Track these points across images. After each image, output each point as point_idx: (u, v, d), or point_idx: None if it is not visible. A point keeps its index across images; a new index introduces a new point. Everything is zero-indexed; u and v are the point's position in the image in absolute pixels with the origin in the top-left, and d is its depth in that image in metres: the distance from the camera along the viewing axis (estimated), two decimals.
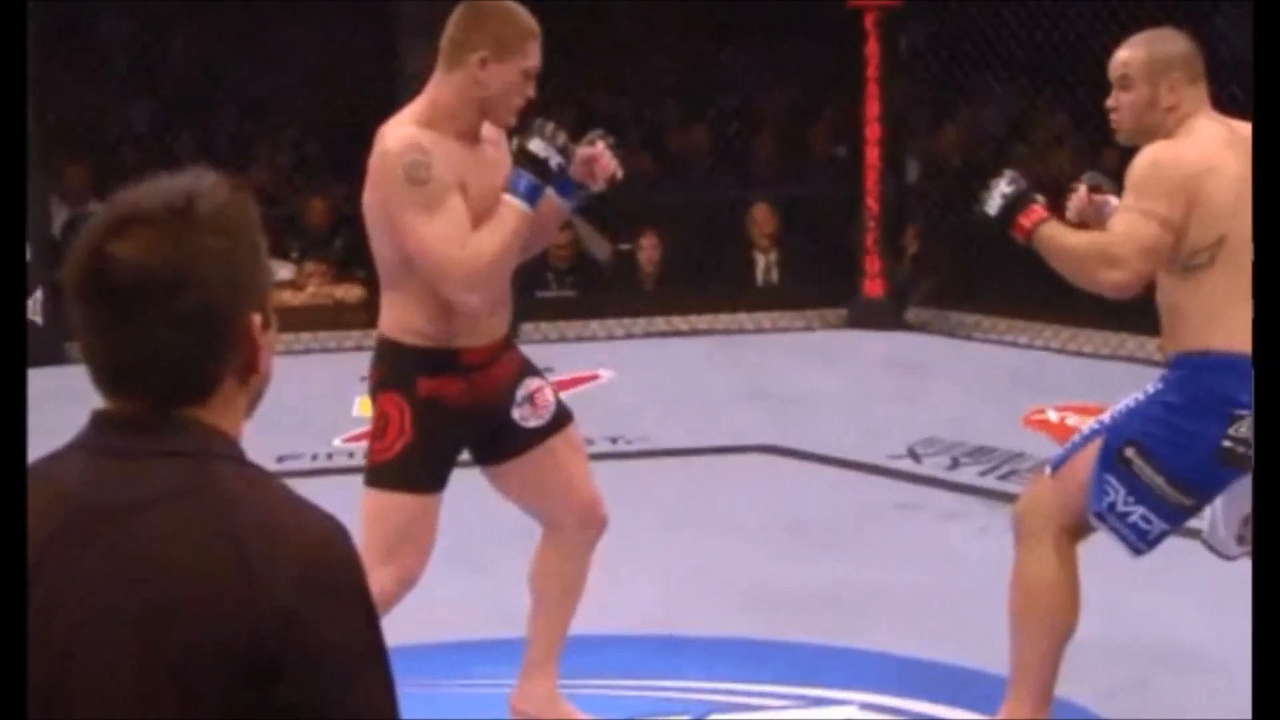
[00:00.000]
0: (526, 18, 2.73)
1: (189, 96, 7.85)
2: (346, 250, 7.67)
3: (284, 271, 7.42)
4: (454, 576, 3.93)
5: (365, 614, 1.16)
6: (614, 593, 3.73)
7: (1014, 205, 2.77)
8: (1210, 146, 2.70)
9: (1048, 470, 2.84)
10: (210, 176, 1.21)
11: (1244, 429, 2.65)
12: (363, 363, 7.04)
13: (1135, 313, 6.57)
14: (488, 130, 2.76)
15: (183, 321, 1.16)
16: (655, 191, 7.71)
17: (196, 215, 1.18)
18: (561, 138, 2.72)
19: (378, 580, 2.72)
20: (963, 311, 6.79)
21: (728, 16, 8.03)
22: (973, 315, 6.71)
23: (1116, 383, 5.60)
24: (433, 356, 2.73)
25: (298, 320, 6.95)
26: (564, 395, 5.68)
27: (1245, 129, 2.76)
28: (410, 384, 2.73)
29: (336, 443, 5.19)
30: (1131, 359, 6.10)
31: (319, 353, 6.70)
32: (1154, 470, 2.69)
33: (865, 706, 3.12)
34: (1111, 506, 2.71)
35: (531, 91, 2.73)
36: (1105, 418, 2.80)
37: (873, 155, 6.61)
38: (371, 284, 7.55)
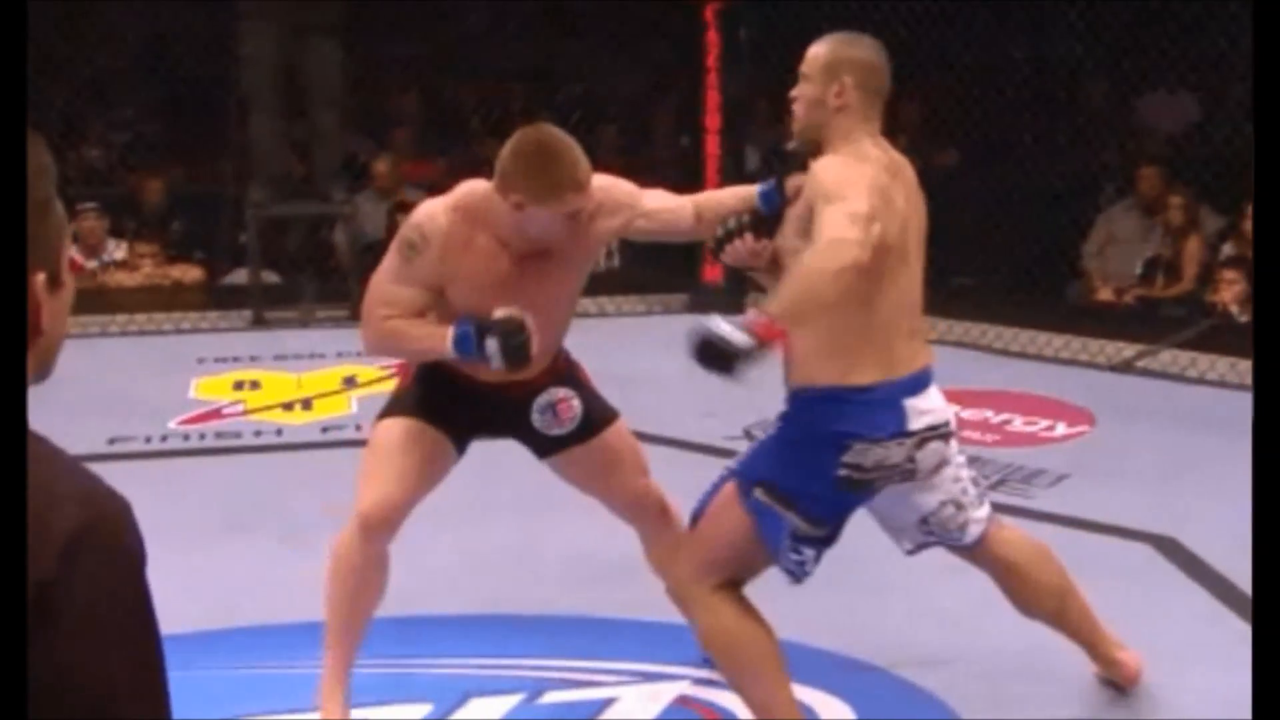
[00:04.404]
0: (567, 168, 2.69)
1: None
2: (184, 231, 7.56)
3: (118, 252, 7.28)
4: (285, 559, 3.94)
5: (131, 587, 1.11)
6: (444, 572, 3.77)
7: (743, 331, 2.46)
8: (884, 173, 2.67)
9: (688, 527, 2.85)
10: None
11: (854, 456, 2.68)
12: (200, 344, 6.98)
13: (960, 299, 6.77)
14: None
15: None
16: None
17: None
18: (519, 338, 2.73)
19: (363, 502, 2.84)
20: None
21: (572, 5, 8.08)
22: None
23: (943, 367, 5.78)
24: None
25: (132, 301, 6.83)
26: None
27: (901, 160, 2.74)
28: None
29: (171, 424, 5.11)
30: (959, 344, 6.30)
31: (154, 334, 6.59)
32: (784, 507, 2.71)
33: (697, 682, 3.17)
34: (769, 539, 2.74)
35: (577, 220, 2.77)
36: (733, 463, 2.84)
37: (712, 145, 6.71)
38: (210, 266, 7.51)
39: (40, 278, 1.15)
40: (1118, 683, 3.14)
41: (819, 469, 2.69)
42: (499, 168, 2.75)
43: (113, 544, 1.10)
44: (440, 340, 2.78)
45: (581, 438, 2.99)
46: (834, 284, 2.47)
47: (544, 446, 3.02)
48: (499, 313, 2.75)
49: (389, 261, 2.84)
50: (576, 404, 2.99)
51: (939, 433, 2.78)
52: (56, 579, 1.06)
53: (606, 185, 2.84)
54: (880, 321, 2.68)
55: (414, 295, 2.81)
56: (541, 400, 2.96)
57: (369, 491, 2.84)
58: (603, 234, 2.92)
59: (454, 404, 2.91)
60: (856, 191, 2.55)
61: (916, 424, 2.73)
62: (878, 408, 2.70)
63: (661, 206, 2.96)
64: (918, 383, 2.76)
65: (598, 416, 3.02)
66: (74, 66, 7.81)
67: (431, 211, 2.81)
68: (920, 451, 2.76)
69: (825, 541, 2.79)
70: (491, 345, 2.72)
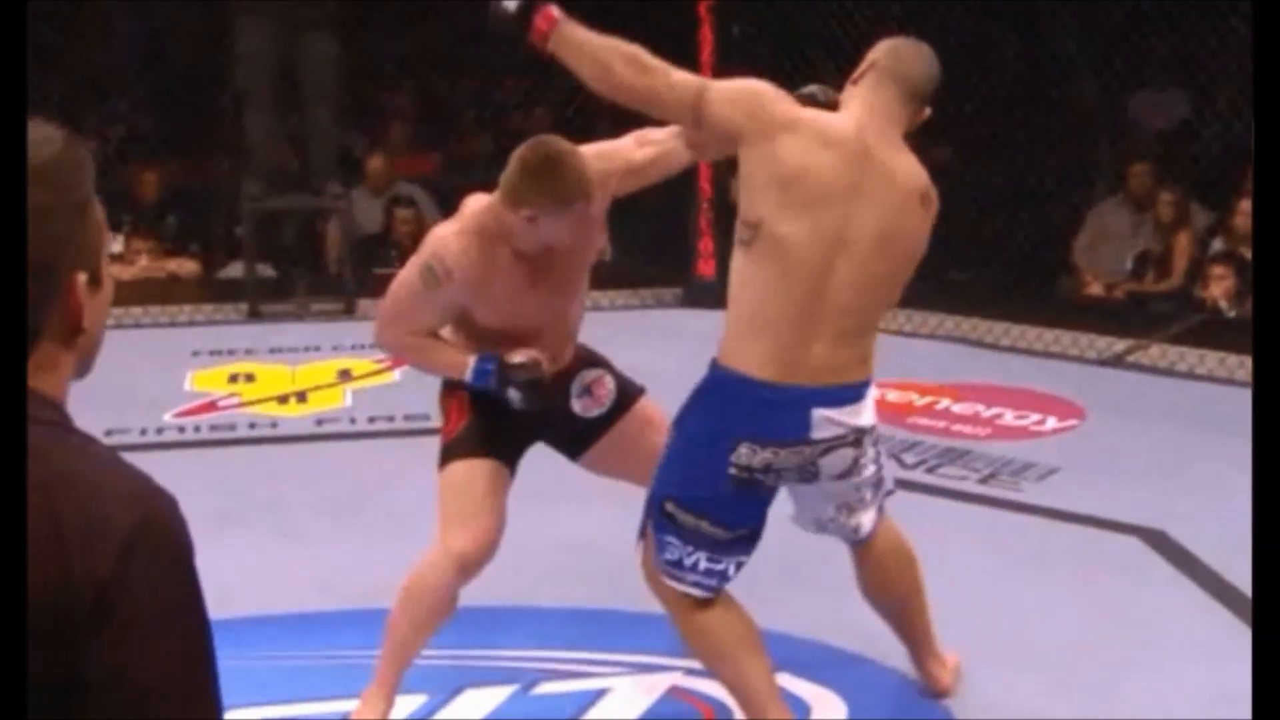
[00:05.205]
0: (574, 179, 2.76)
1: None
2: (180, 225, 7.57)
3: (114, 245, 7.30)
4: (281, 551, 3.96)
5: (184, 583, 1.13)
6: None
7: (530, 5, 2.60)
8: (806, 127, 2.58)
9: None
10: (45, 129, 1.18)
11: (743, 456, 2.64)
12: (195, 337, 7.00)
13: (952, 293, 6.81)
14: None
15: None
16: (495, 171, 7.74)
17: None
18: (539, 385, 2.84)
19: (460, 543, 2.86)
20: None
21: (566, 1, 8.08)
22: None
23: (935, 360, 5.82)
24: None
25: (128, 294, 6.85)
26: (399, 371, 5.76)
27: (883, 157, 2.63)
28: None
29: (166, 417, 5.13)
30: (950, 338, 6.33)
31: (150, 327, 6.60)
32: (694, 516, 2.70)
33: (690, 672, 3.18)
34: (679, 562, 2.73)
35: (588, 216, 2.84)
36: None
37: None
38: (206, 259, 7.52)
39: (81, 277, 1.17)
40: (930, 688, 3.15)
41: (714, 470, 2.67)
42: (506, 185, 2.80)
43: (166, 540, 1.12)
44: (459, 370, 2.89)
45: (619, 413, 3.07)
46: (600, 66, 2.63)
47: (584, 436, 3.08)
48: (517, 357, 2.84)
49: (409, 282, 2.88)
50: (609, 381, 3.08)
51: (847, 440, 2.70)
52: (114, 578, 1.08)
53: (591, 160, 2.88)
54: (795, 314, 2.60)
55: (431, 320, 2.90)
56: (576, 385, 3.04)
57: (466, 533, 2.88)
58: (602, 207, 2.97)
59: (506, 426, 2.96)
60: (718, 94, 2.59)
61: (822, 434, 2.65)
62: (782, 409, 2.62)
63: (652, 156, 3.02)
64: (839, 396, 2.65)
65: (630, 390, 3.11)
66: (70, 61, 7.82)
67: (448, 242, 2.85)
68: (824, 459, 2.70)
69: (744, 544, 2.76)
70: (514, 395, 2.84)
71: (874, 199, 2.61)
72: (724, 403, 2.67)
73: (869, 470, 2.82)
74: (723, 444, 2.65)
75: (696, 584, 2.76)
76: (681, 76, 2.65)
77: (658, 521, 2.75)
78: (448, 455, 2.96)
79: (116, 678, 1.08)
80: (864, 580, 3.04)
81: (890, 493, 2.99)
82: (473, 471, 2.92)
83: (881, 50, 2.73)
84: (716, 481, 2.67)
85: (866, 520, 2.92)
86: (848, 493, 2.84)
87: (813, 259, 2.58)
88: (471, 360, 2.87)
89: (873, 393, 2.75)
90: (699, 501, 2.70)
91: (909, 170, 2.67)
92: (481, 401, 2.94)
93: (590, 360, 3.09)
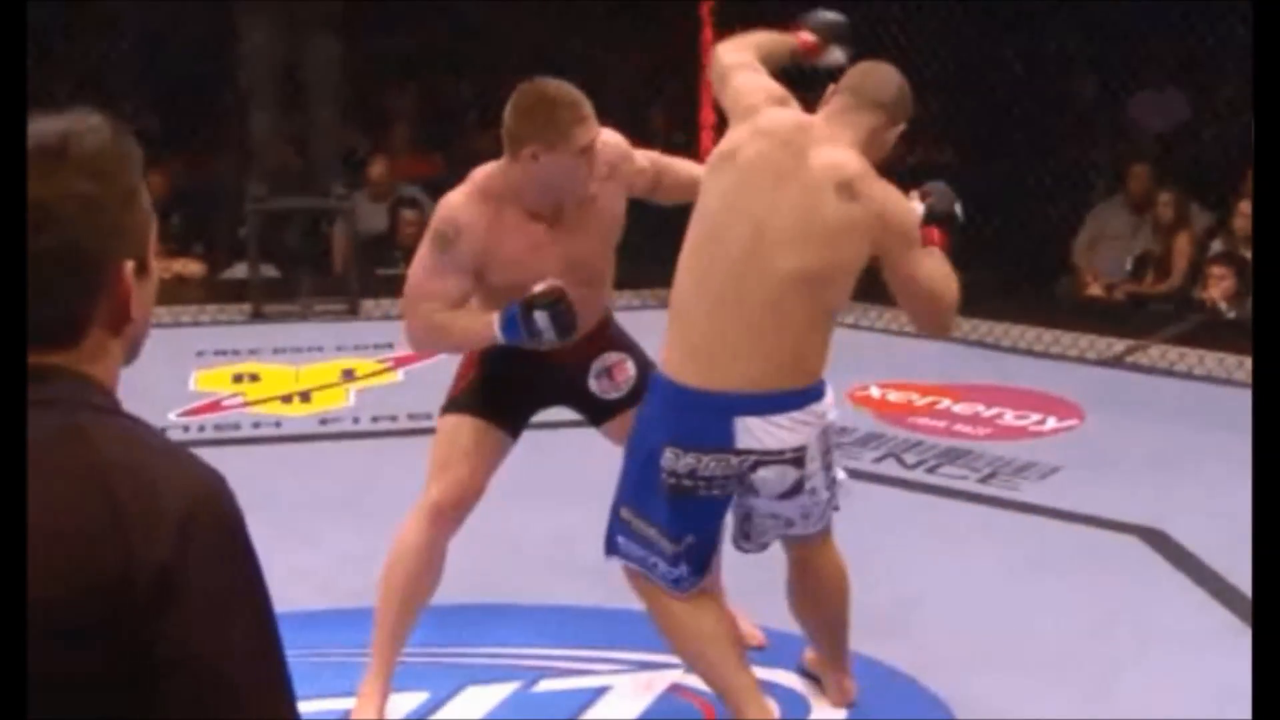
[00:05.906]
0: (570, 104, 2.81)
1: None
2: (184, 226, 7.59)
3: None
4: (284, 549, 3.98)
5: (243, 558, 1.14)
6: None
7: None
8: (758, 117, 2.73)
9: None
10: (92, 118, 1.18)
11: (669, 460, 2.65)
12: (200, 337, 7.00)
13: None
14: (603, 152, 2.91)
15: (43, 260, 1.12)
16: None
17: (69, 156, 1.14)
18: (562, 306, 2.81)
19: (435, 490, 2.92)
20: None
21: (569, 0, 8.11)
22: None
23: (935, 360, 5.83)
24: None
25: None
26: (403, 371, 5.77)
27: (815, 152, 2.67)
28: None
29: (171, 417, 5.14)
30: (950, 338, 6.33)
31: (155, 326, 6.58)
32: (645, 523, 2.72)
33: (690, 670, 3.22)
34: (644, 560, 2.77)
35: (594, 161, 2.87)
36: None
37: (706, 140, 6.75)
38: (210, 260, 7.53)
39: (129, 265, 1.18)
40: (825, 689, 3.14)
41: (653, 480, 2.69)
42: (506, 130, 2.85)
43: (221, 519, 1.13)
44: (487, 328, 2.87)
45: (637, 399, 3.05)
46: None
47: (600, 412, 3.11)
48: (537, 288, 2.84)
49: (424, 257, 2.91)
50: (630, 367, 3.09)
51: (783, 458, 2.66)
52: (174, 559, 1.09)
53: (615, 141, 2.99)
54: (708, 306, 2.65)
55: (454, 285, 2.88)
56: (596, 366, 3.07)
57: (443, 481, 2.94)
58: (619, 181, 3.01)
59: (514, 388, 2.99)
60: (731, 84, 2.85)
61: (748, 444, 2.63)
62: (701, 413, 2.64)
63: (655, 167, 3.18)
64: (766, 404, 2.63)
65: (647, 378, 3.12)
66: (74, 60, 7.83)
67: (455, 203, 2.89)
68: (758, 474, 2.67)
69: (695, 555, 2.76)
70: (541, 319, 2.80)
71: (792, 192, 2.64)
72: (657, 405, 2.71)
73: (821, 495, 2.78)
74: (653, 449, 2.68)
75: (663, 578, 2.78)
76: (734, 56, 2.91)
77: (618, 526, 2.78)
78: (444, 409, 3.02)
79: (187, 657, 1.09)
80: (798, 594, 3.00)
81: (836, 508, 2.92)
82: (460, 426, 2.97)
83: (846, 73, 2.85)
84: (657, 489, 2.70)
85: (776, 540, 2.90)
86: (790, 509, 2.78)
87: (728, 251, 2.65)
88: (495, 316, 2.86)
89: (822, 408, 2.69)
90: (647, 508, 2.73)
91: (832, 161, 2.66)
92: (492, 363, 2.96)
93: (615, 343, 3.12)
